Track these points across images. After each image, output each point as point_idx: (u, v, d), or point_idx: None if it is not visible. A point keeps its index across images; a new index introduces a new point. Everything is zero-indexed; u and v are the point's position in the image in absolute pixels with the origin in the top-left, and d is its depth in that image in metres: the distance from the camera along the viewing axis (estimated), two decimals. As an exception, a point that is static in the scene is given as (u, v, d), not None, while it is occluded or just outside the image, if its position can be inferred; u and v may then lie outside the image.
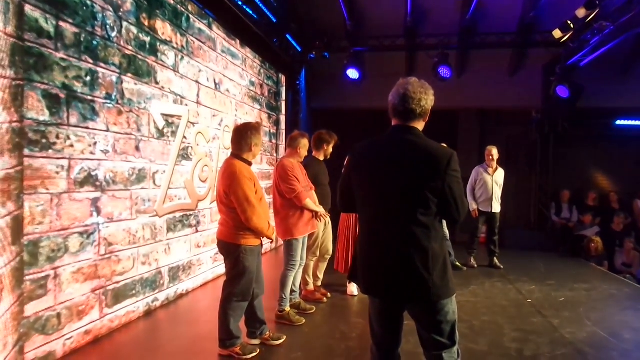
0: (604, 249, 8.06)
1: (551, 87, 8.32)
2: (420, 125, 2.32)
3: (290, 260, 4.23)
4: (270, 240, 3.71)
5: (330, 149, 4.94)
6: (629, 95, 8.82)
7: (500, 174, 6.99)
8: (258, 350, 3.52)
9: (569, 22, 7.02)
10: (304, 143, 4.43)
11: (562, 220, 9.34)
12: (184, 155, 5.04)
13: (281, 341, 3.74)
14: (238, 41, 6.50)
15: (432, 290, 2.15)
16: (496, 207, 6.95)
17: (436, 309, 2.21)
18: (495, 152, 6.95)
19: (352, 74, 8.32)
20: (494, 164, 6.94)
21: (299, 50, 8.38)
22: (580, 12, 6.54)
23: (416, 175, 2.17)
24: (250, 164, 3.47)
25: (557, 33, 7.31)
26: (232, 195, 3.29)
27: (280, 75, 8.41)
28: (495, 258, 7.07)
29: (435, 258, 2.17)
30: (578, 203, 9.51)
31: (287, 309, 4.26)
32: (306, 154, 4.51)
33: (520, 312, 4.85)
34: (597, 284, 6.23)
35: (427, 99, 2.29)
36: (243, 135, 3.43)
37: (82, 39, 3.51)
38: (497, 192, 6.95)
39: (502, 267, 6.96)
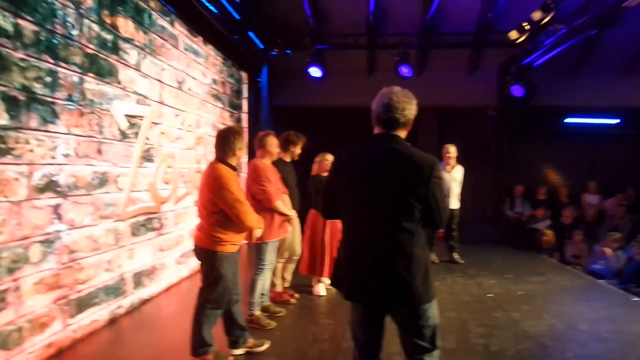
0: (555, 242, 8.45)
1: (507, 86, 8.60)
2: (402, 134, 2.35)
3: (260, 264, 4.19)
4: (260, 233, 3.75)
5: (298, 150, 4.91)
6: (578, 95, 9.24)
7: (458, 172, 7.17)
8: (232, 358, 3.47)
9: (525, 24, 7.26)
10: (273, 141, 4.36)
11: (515, 215, 9.70)
12: (146, 157, 4.90)
13: (266, 346, 3.68)
14: (201, 38, 6.36)
15: (414, 295, 2.20)
16: (454, 204, 7.13)
17: (418, 314, 2.26)
18: (452, 150, 7.11)
19: (315, 72, 8.31)
20: (452, 161, 7.10)
21: (261, 47, 8.27)
22: (536, 15, 6.78)
23: (401, 182, 2.21)
24: (235, 168, 3.40)
25: (513, 34, 7.55)
26: (219, 201, 3.22)
27: (241, 73, 8.29)
28: (455, 253, 7.27)
29: (417, 263, 2.21)
30: (530, 198, 9.90)
31: (257, 312, 4.23)
32: (278, 151, 4.45)
33: (483, 307, 5.01)
34: (551, 276, 6.52)
35: (411, 108, 2.32)
36: (226, 140, 3.37)
37: (42, 38, 3.34)
38: (455, 189, 7.12)
39: (462, 262, 7.16)
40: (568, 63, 9.10)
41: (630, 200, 9.58)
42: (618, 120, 9.93)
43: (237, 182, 3.37)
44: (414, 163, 2.22)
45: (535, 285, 6.00)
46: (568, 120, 9.91)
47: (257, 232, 3.68)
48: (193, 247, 3.47)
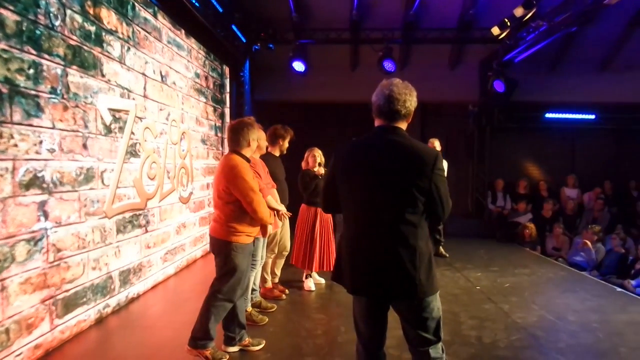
0: (537, 235, 8.60)
1: (488, 82, 8.69)
2: (403, 126, 2.33)
3: (253, 260, 4.11)
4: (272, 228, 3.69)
5: (286, 144, 4.87)
6: (557, 90, 9.40)
7: (443, 166, 7.19)
8: (227, 356, 3.39)
9: (507, 20, 7.35)
10: (261, 135, 4.31)
11: (497, 208, 9.83)
12: (132, 152, 4.77)
13: (261, 346, 3.61)
14: (183, 31, 6.23)
15: (418, 287, 2.18)
16: (440, 198, 7.16)
17: (422, 306, 2.25)
18: (437, 144, 7.12)
19: (298, 66, 8.24)
20: None
21: (244, 41, 8.17)
22: (518, 11, 6.87)
23: (404, 175, 2.19)
24: (248, 160, 3.39)
25: (495, 30, 7.66)
26: (234, 189, 3.19)
27: (224, 67, 8.17)
28: (440, 247, 7.32)
29: (421, 256, 2.20)
30: (511, 191, 10.05)
31: (249, 308, 4.16)
32: (266, 145, 4.40)
33: (472, 300, 5.06)
34: (535, 268, 6.63)
35: (412, 100, 2.31)
36: (240, 132, 3.37)
37: (24, 28, 3.20)
38: None
39: (447, 255, 7.22)
40: (547, 59, 9.25)
41: (607, 193, 9.82)
42: (593, 116, 10.15)
43: (252, 173, 3.36)
44: (416, 155, 2.21)
45: (520, 277, 6.09)
46: (548, 115, 10.07)
47: (270, 228, 3.62)
48: (209, 239, 3.43)
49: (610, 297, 5.31)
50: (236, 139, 3.38)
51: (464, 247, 8.08)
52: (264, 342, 3.67)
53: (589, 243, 7.55)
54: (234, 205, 3.26)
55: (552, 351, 3.74)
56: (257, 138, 4.19)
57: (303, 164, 5.35)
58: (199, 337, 3.28)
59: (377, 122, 2.36)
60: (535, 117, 10.12)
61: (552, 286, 5.76)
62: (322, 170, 5.17)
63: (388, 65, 8.15)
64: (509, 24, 7.34)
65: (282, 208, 4.34)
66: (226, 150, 5.54)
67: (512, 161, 10.60)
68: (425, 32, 8.44)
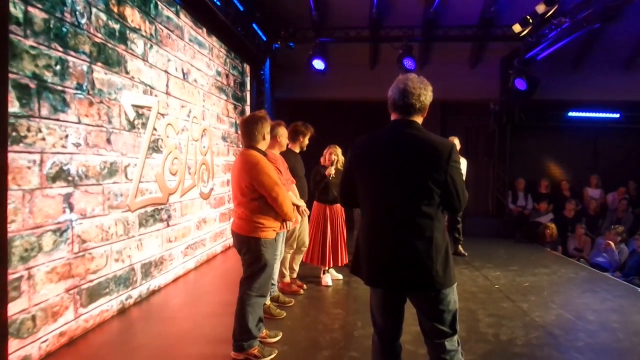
0: (557, 235, 8.48)
1: (509, 80, 8.59)
2: (419, 120, 2.36)
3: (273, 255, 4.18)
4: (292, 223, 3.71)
5: (306, 141, 4.91)
6: (580, 88, 9.26)
7: (462, 164, 7.16)
8: (276, 351, 3.40)
9: (528, 17, 7.28)
10: (283, 132, 4.38)
11: (518, 208, 9.73)
12: (154, 147, 4.88)
13: (278, 338, 3.65)
14: (205, 30, 6.33)
15: (435, 279, 2.20)
16: (459, 196, 7.13)
17: (439, 298, 2.26)
18: (457, 142, 7.10)
19: (318, 64, 8.29)
20: None
21: (264, 39, 8.26)
22: (540, 8, 6.80)
23: (420, 167, 2.21)
24: (265, 154, 3.41)
25: (516, 27, 7.58)
26: (259, 185, 3.21)
27: (245, 65, 8.26)
28: (459, 245, 7.28)
29: (438, 248, 2.21)
30: (532, 191, 9.93)
31: (268, 302, 4.22)
32: (287, 142, 4.47)
33: (490, 298, 5.03)
34: (555, 268, 6.55)
35: (426, 95, 2.33)
36: (255, 126, 3.38)
37: (51, 26, 3.31)
38: None
39: (466, 254, 7.18)
40: (570, 57, 9.12)
41: (632, 193, 9.63)
42: (618, 115, 9.96)
43: (273, 167, 3.38)
44: (432, 148, 2.22)
45: (540, 277, 6.03)
46: (571, 114, 9.92)
47: (289, 224, 3.59)
48: (233, 236, 3.44)
49: (632, 297, 5.22)
50: (251, 133, 3.38)
51: (483, 246, 8.02)
52: (281, 333, 3.72)
53: (612, 244, 7.42)
54: (259, 202, 3.26)
55: (570, 350, 3.70)
56: (278, 134, 4.28)
57: (321, 160, 5.40)
58: (244, 339, 3.26)
59: (392, 117, 2.39)
60: (557, 116, 9.99)
61: (572, 286, 5.69)
62: (332, 171, 5.19)
63: (408, 63, 8.14)
64: (530, 21, 7.27)
65: (302, 204, 4.38)
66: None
67: (533, 160, 10.46)
68: (446, 30, 8.41)
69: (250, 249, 3.30)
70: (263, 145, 3.44)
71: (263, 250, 3.28)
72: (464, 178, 7.22)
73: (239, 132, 3.79)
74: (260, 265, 3.29)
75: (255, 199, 3.27)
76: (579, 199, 9.59)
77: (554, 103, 9.66)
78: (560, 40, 7.48)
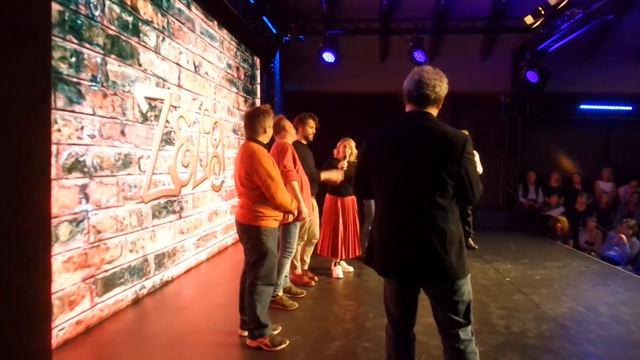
0: (568, 229, 8.44)
1: (521, 72, 8.54)
2: (434, 111, 2.36)
3: (288, 247, 4.22)
4: (294, 216, 3.71)
5: (309, 130, 4.81)
6: (593, 81, 9.17)
7: (475, 157, 7.13)
8: (287, 342, 3.42)
9: (540, 9, 7.20)
10: (287, 123, 4.34)
11: (528, 202, 9.68)
12: (166, 139, 4.91)
13: (278, 331, 3.63)
14: (216, 22, 6.34)
15: (449, 270, 2.21)
16: (469, 189, 7.11)
17: (453, 289, 2.27)
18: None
19: (328, 57, 8.28)
20: None
21: (274, 32, 8.25)
22: (552, -1, 6.73)
23: (434, 159, 2.21)
24: (266, 147, 3.47)
25: (528, 19, 7.50)
26: (254, 174, 3.27)
27: (255, 58, 8.27)
28: (470, 239, 7.26)
29: (452, 239, 2.22)
30: (543, 184, 9.87)
31: (280, 293, 4.26)
32: (295, 133, 4.45)
33: (501, 290, 5.03)
34: (566, 261, 6.53)
35: (442, 86, 2.33)
36: (257, 118, 3.44)
37: (66, 18, 3.34)
38: None
39: (476, 247, 7.17)
40: (582, 49, 9.02)
41: (644, 187, 9.55)
42: (630, 108, 9.86)
43: (271, 159, 3.43)
44: (446, 139, 2.23)
45: (551, 270, 6.01)
46: (583, 106, 9.83)
47: (289, 217, 3.64)
48: (236, 225, 3.50)
49: (645, 291, 5.20)
50: (252, 126, 3.45)
51: (494, 239, 8.00)
52: (280, 328, 3.67)
53: (624, 237, 7.38)
54: (258, 191, 3.33)
55: (582, 342, 3.70)
56: (286, 126, 4.27)
57: (334, 152, 5.41)
58: (254, 327, 3.32)
59: (407, 108, 2.39)
60: (569, 109, 9.90)
61: (584, 279, 5.67)
62: (344, 164, 5.18)
63: (418, 55, 8.11)
64: (542, 12, 7.19)
65: (308, 199, 4.33)
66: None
67: (544, 153, 10.40)
68: (457, 22, 8.36)
69: (251, 237, 3.36)
70: (264, 138, 3.50)
71: (264, 238, 3.33)
72: (480, 171, 7.26)
73: (243, 124, 3.84)
74: (262, 254, 3.34)
75: (254, 189, 3.33)
76: (590, 192, 9.53)
77: (565, 96, 9.58)
78: (573, 32, 7.42)
